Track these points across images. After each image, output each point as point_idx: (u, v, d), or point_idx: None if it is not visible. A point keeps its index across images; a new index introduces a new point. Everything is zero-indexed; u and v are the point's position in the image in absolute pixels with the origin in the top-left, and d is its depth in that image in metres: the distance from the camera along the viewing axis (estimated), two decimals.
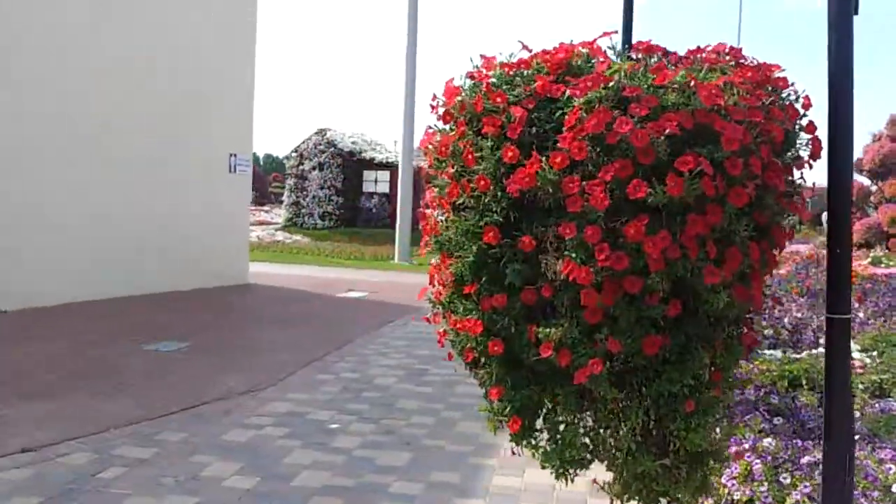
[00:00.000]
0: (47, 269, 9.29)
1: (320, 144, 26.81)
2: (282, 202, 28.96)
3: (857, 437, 3.98)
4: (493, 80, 2.16)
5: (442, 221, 2.23)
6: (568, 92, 2.01)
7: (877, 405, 4.88)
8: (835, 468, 2.10)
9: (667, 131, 1.84)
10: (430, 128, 2.31)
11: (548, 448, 2.25)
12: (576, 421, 2.21)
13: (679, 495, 2.08)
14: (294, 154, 27.30)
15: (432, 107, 2.27)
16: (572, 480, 2.40)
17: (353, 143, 27.08)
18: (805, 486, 2.96)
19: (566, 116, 1.97)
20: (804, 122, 2.15)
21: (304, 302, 11.41)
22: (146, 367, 6.58)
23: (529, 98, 2.07)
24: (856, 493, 3.22)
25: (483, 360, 2.23)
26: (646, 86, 1.92)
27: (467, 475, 4.32)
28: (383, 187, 26.93)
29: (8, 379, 5.97)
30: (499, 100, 2.07)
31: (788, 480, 3.14)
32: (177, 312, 9.57)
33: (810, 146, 2.15)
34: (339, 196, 26.59)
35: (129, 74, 10.38)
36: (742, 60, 2.13)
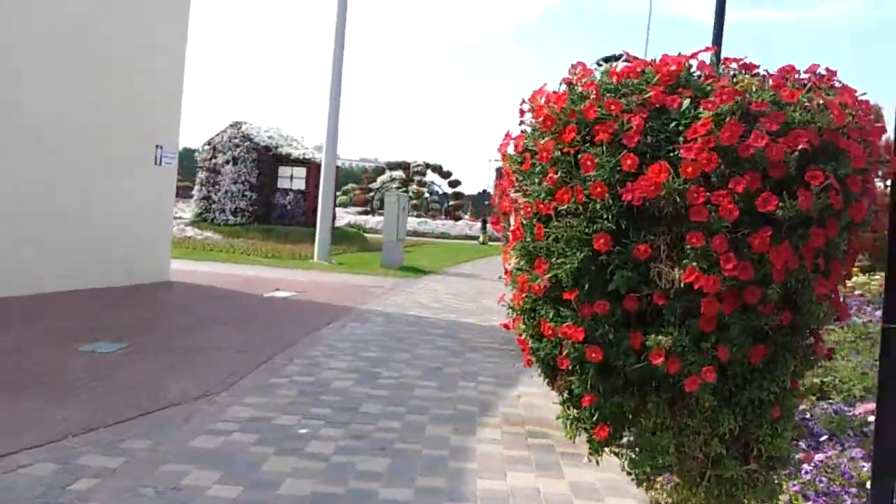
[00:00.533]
0: None
1: (235, 138, 26.12)
2: (191, 196, 28.02)
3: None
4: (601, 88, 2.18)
5: (526, 226, 2.23)
6: (685, 103, 2.05)
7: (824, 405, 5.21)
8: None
9: (799, 147, 1.91)
10: (522, 131, 2.31)
11: (633, 455, 2.30)
12: (665, 428, 2.26)
13: (751, 501, 2.16)
14: (206, 147, 26.47)
15: (521, 111, 2.27)
16: (652, 487, 2.45)
17: (269, 137, 26.52)
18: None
19: (683, 127, 2.01)
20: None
21: (233, 301, 11.12)
22: (88, 369, 6.26)
23: (641, 107, 2.10)
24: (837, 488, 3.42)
25: (577, 367, 2.25)
26: (770, 102, 1.99)
27: (452, 479, 4.32)
28: (299, 184, 26.50)
29: None
30: (613, 108, 2.10)
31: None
32: (105, 311, 9.13)
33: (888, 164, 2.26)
34: (253, 192, 25.99)
35: (56, 60, 9.82)
36: (834, 82, 2.24)
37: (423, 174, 48.17)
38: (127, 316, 8.96)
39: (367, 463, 4.49)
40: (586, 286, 2.13)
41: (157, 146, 11.97)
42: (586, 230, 2.08)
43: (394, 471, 4.40)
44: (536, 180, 2.24)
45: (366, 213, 45.32)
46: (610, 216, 2.07)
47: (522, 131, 2.32)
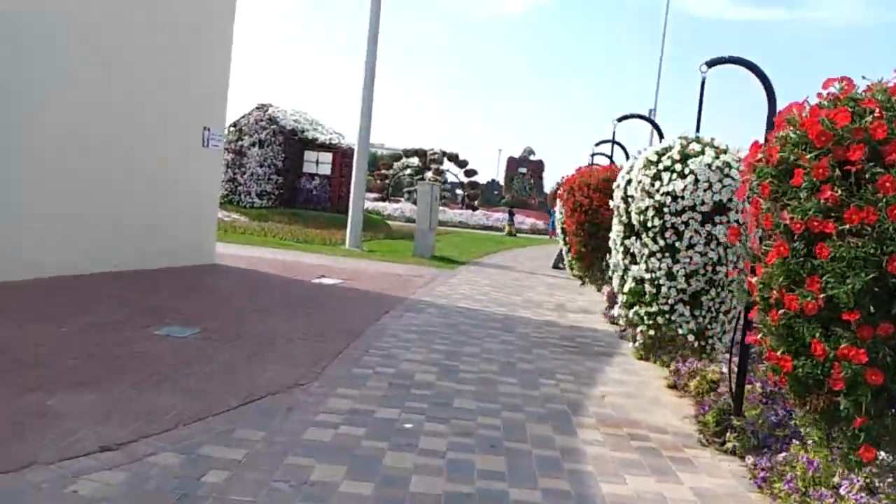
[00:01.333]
0: (14, 242, 8.59)
1: (262, 120, 26.05)
2: None
3: None
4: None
5: (795, 244, 2.15)
6: None
7: None
8: None
9: None
10: (769, 142, 2.23)
11: None
12: None
13: None
14: (233, 129, 26.38)
15: (777, 123, 2.20)
16: None
17: (295, 121, 26.43)
18: None
19: None
20: None
21: (285, 287, 11.08)
22: (172, 355, 6.22)
23: None
24: None
25: (851, 388, 2.18)
26: None
27: (573, 482, 4.28)
28: (325, 169, 26.43)
29: (30, 363, 5.52)
30: None
31: None
32: (162, 293, 9.10)
33: None
34: (279, 175, 25.93)
35: (107, 43, 9.73)
36: None
37: (440, 162, 47.96)
38: (185, 300, 8.91)
39: (484, 462, 4.44)
40: (869, 308, 2.06)
41: (204, 128, 11.90)
42: (873, 251, 2.01)
43: (513, 471, 4.35)
44: (802, 195, 2.16)
45: (382, 199, 45.20)
46: None
47: (772, 143, 2.23)
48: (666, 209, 4.57)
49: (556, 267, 19.13)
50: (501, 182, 68.99)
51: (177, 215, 11.34)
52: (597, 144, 13.00)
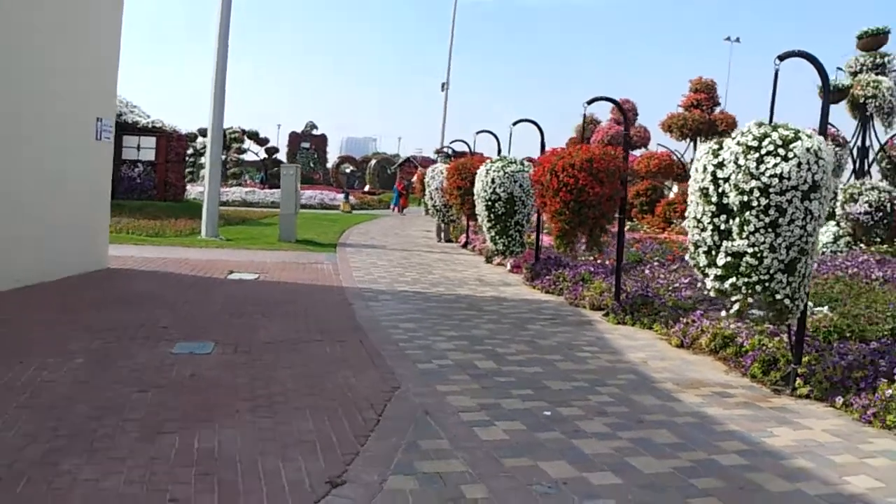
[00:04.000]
0: None
1: None
2: None
3: None
4: None
5: None
6: None
7: None
8: None
9: None
10: None
11: None
12: None
13: None
14: None
15: None
16: None
17: None
18: None
19: None
20: None
21: (215, 287, 10.41)
22: (230, 373, 5.81)
23: None
24: None
25: None
26: None
27: (737, 439, 4.75)
28: (147, 155, 24.52)
29: (118, 407, 4.92)
30: None
31: None
32: (112, 306, 8.22)
33: None
34: None
35: None
36: None
37: (241, 141, 46.15)
38: (144, 311, 8.13)
39: (657, 436, 4.77)
40: None
41: (97, 119, 10.73)
42: None
43: (680, 445, 4.72)
44: None
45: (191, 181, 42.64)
46: None
47: None
48: (772, 189, 5.11)
49: (448, 241, 20.01)
50: (284, 158, 67.90)
51: (75, 217, 10.19)
52: (514, 123, 13.41)
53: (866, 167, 18.83)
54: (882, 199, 15.53)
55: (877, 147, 18.95)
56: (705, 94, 26.48)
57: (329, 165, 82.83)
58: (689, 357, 7.18)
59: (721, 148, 5.51)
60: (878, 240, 15.47)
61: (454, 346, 7.17)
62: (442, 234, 20.48)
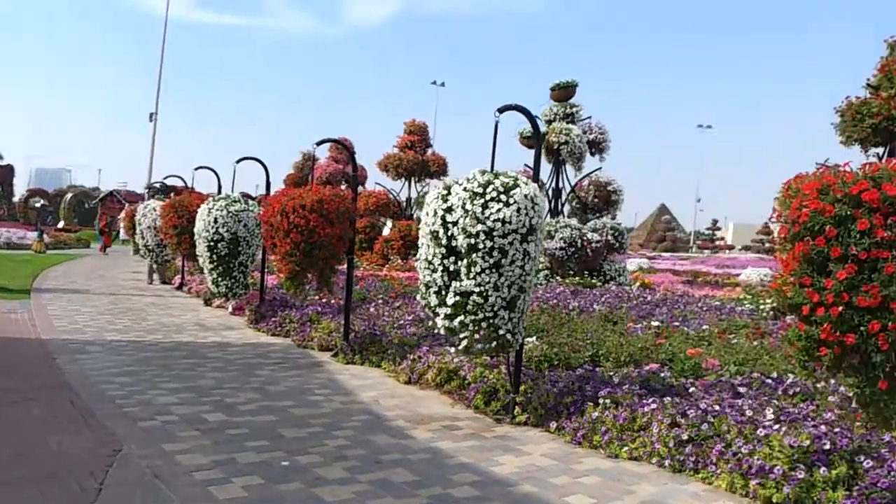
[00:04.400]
0: None
1: None
2: None
3: None
4: None
5: None
6: None
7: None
8: None
9: None
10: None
11: None
12: None
13: None
14: None
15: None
16: None
17: None
18: None
19: None
20: None
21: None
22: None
23: None
24: None
25: None
26: None
27: (462, 470, 4.99)
28: None
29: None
30: None
31: None
32: None
33: None
34: None
35: None
36: None
37: None
38: None
39: (388, 474, 4.84)
40: None
41: None
42: None
43: (422, 477, 4.86)
44: None
45: None
46: None
47: None
48: (495, 232, 5.53)
49: (163, 282, 19.13)
50: None
51: None
52: (238, 161, 12.84)
53: (560, 206, 21.13)
54: (574, 235, 17.52)
55: (568, 189, 21.39)
56: (418, 136, 28.04)
57: (16, 199, 74.06)
58: (417, 392, 7.44)
59: (450, 193, 5.85)
60: (572, 272, 17.39)
61: (178, 399, 6.71)
62: (155, 276, 19.21)
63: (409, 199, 28.68)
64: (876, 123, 14.20)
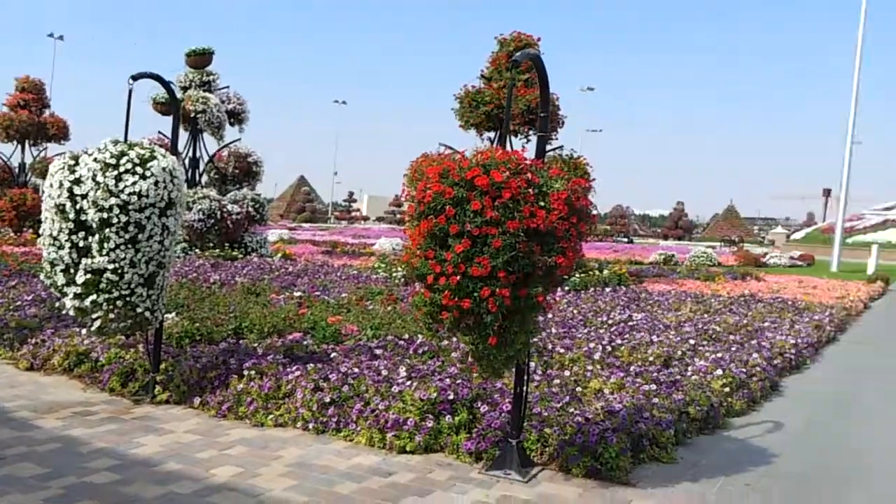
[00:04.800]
0: None
1: None
2: None
3: None
4: None
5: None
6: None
7: None
8: None
9: None
10: None
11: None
12: None
13: None
14: None
15: None
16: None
17: None
18: None
19: None
20: None
21: None
22: None
23: None
24: None
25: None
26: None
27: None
28: None
29: None
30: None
31: None
32: None
33: None
34: None
35: None
36: None
37: None
38: None
39: (14, 470, 4.42)
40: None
41: None
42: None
43: (53, 469, 4.52)
44: None
45: None
46: None
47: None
48: (131, 206, 5.25)
49: None
50: None
51: None
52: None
53: (198, 177, 20.41)
54: (213, 206, 17.11)
55: (206, 159, 20.73)
56: (34, 94, 24.88)
57: None
58: (42, 379, 6.77)
59: (77, 164, 5.40)
60: (212, 244, 17.00)
61: None
62: None
63: (22, 165, 25.36)
64: (489, 111, 16.19)
